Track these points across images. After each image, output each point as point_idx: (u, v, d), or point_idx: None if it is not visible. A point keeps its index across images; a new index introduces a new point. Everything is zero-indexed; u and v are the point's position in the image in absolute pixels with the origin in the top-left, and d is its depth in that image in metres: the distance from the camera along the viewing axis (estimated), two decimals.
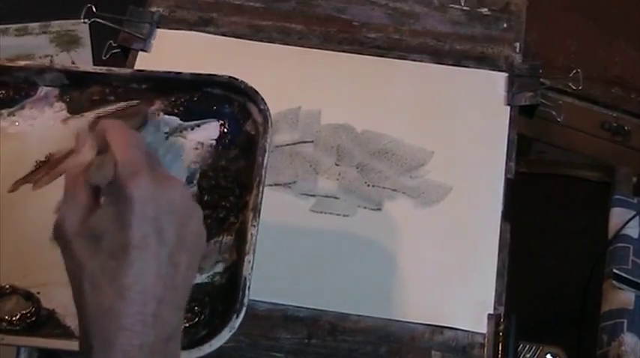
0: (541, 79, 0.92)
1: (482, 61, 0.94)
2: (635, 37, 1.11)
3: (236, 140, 0.73)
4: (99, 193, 0.56)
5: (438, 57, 0.95)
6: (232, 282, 0.66)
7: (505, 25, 0.97)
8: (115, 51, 0.95)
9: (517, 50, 0.95)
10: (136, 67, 0.93)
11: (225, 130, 0.73)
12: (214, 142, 0.73)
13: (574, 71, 0.93)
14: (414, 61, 0.94)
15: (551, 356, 0.78)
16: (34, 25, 1.60)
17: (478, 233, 0.84)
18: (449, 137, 0.89)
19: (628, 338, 0.93)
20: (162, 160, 0.71)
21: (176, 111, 0.73)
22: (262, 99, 0.72)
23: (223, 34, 0.96)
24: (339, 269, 0.83)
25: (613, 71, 1.09)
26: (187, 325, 0.64)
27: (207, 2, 0.98)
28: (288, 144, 0.89)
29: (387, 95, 0.92)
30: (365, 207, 0.86)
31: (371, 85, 0.93)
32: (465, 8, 0.98)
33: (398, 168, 0.87)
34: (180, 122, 0.73)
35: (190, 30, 0.96)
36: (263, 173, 0.68)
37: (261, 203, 0.67)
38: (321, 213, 0.85)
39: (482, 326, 0.80)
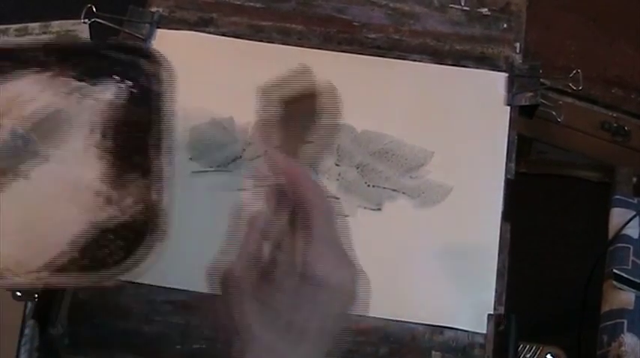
0: (541, 80, 0.92)
1: (482, 61, 0.94)
2: (635, 37, 1.11)
3: (136, 94, 0.80)
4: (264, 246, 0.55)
5: (438, 57, 0.95)
6: (148, 215, 0.72)
7: (505, 26, 0.97)
8: None
9: (517, 50, 0.95)
10: None
11: (126, 88, 0.80)
12: (114, 97, 0.80)
13: (574, 71, 0.93)
14: (414, 61, 0.94)
15: (552, 356, 0.78)
16: (34, 25, 1.59)
17: (478, 233, 0.84)
18: (449, 137, 0.89)
19: (628, 339, 0.93)
20: (75, 120, 0.77)
21: (79, 75, 0.80)
22: (155, 53, 0.80)
23: (223, 34, 0.96)
24: None
25: (613, 71, 1.09)
26: (115, 259, 0.70)
27: (208, 2, 0.98)
28: None
29: (387, 95, 0.92)
30: (365, 208, 0.86)
31: (371, 85, 0.93)
32: (465, 8, 0.98)
33: (398, 168, 0.88)
34: (84, 84, 0.80)
35: (190, 30, 0.96)
36: (163, 115, 0.76)
37: (165, 140, 0.75)
38: None
39: (482, 327, 0.80)
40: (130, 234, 0.71)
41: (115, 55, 0.81)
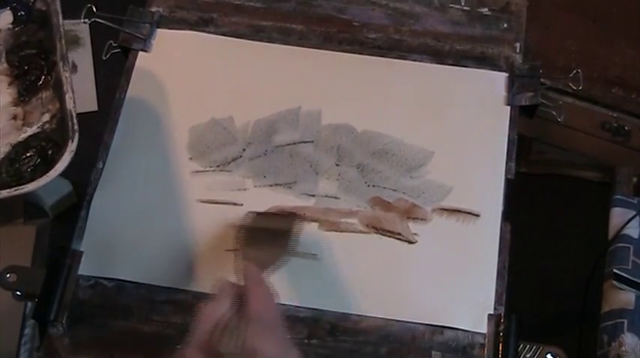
0: (541, 79, 0.92)
1: (483, 61, 0.94)
2: (636, 37, 1.11)
3: (31, 18, 0.86)
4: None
5: (438, 57, 0.95)
6: (61, 124, 0.77)
7: (505, 25, 0.97)
8: (115, 51, 0.95)
9: (517, 50, 0.95)
10: (136, 67, 0.93)
11: (19, 14, 0.86)
12: (11, 26, 0.87)
13: (574, 71, 0.93)
14: (415, 61, 0.94)
15: (552, 356, 0.78)
16: None
17: (478, 233, 0.84)
18: (449, 137, 0.89)
19: (628, 339, 0.93)
20: None
21: None
22: None
23: (223, 34, 0.96)
24: (339, 270, 0.82)
25: (613, 71, 1.09)
26: (32, 168, 0.77)
27: (208, 2, 0.98)
28: (288, 145, 0.89)
29: (388, 95, 0.92)
30: (365, 208, 0.86)
31: (371, 85, 0.93)
32: (465, 8, 0.98)
33: (398, 168, 0.88)
34: None
35: (190, 30, 0.96)
36: (61, 30, 0.81)
37: (66, 52, 0.80)
38: None
39: (482, 327, 0.80)
40: (48, 145, 0.78)
41: None
